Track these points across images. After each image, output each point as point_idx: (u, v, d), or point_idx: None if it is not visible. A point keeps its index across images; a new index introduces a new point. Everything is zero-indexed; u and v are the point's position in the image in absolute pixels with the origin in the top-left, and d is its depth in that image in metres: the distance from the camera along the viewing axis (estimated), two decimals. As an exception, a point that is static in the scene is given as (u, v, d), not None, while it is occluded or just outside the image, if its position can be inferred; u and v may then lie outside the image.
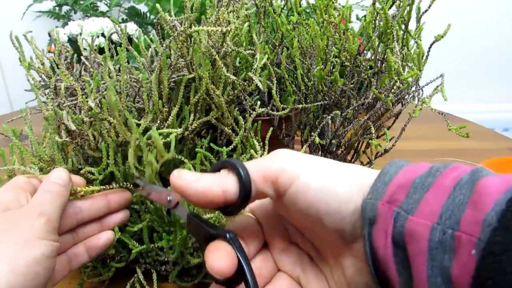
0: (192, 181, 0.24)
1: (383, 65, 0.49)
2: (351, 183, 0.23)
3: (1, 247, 0.26)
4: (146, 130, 0.42)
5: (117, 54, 0.53)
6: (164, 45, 0.42)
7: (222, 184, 0.24)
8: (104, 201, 0.36)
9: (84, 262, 0.35)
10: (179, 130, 0.43)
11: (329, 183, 0.23)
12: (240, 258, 0.23)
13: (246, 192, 0.23)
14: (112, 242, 0.37)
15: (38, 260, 0.27)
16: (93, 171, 0.42)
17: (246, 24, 0.44)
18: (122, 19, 1.23)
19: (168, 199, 0.32)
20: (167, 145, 0.45)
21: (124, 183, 0.37)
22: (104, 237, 0.36)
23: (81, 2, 1.24)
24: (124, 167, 0.42)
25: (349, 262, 0.24)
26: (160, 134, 0.42)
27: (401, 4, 0.45)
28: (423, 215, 0.20)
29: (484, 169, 0.20)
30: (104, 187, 0.36)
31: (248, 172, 0.23)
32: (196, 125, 0.46)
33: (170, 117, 0.43)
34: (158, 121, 0.44)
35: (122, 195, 0.38)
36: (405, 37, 0.46)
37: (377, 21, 0.48)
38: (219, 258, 0.23)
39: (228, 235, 0.24)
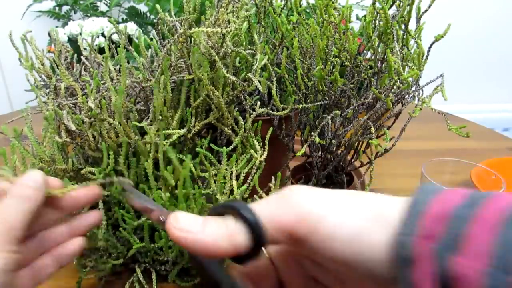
0: (196, 232, 0.21)
1: (383, 65, 0.49)
2: (382, 224, 0.20)
3: None
4: (145, 132, 0.42)
5: (117, 54, 0.53)
6: (164, 47, 0.42)
7: (232, 238, 0.21)
8: (71, 201, 0.31)
9: (52, 273, 0.31)
10: (182, 131, 0.43)
11: (357, 231, 0.20)
12: None
13: (259, 246, 0.21)
14: (81, 249, 0.33)
15: None
16: (93, 171, 0.42)
17: (246, 23, 0.44)
18: (122, 19, 1.23)
19: (161, 219, 0.27)
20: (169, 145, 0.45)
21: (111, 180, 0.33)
22: (73, 245, 0.32)
23: (81, 2, 1.24)
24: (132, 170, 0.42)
25: None
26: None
27: (401, 4, 0.45)
28: (470, 256, 0.17)
29: None
30: (78, 184, 0.32)
31: (259, 222, 0.21)
32: (198, 127, 0.46)
33: (173, 121, 0.43)
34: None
35: (93, 191, 0.33)
36: (405, 37, 0.46)
37: (377, 21, 0.48)
38: None
39: (231, 286, 0.22)
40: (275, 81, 0.50)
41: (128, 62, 0.72)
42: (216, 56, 0.41)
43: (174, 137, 0.42)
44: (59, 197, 0.30)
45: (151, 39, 0.48)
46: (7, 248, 0.26)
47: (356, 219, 0.20)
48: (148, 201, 0.30)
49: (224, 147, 0.44)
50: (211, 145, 0.47)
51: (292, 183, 0.55)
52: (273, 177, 0.45)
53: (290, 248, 0.25)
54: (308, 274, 0.25)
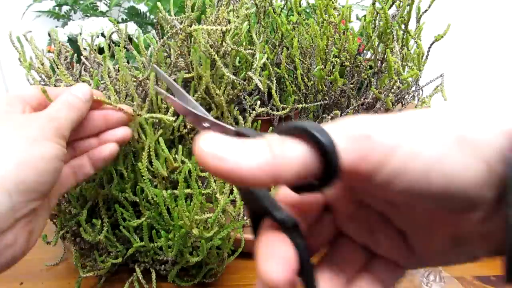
0: (230, 160, 0.16)
1: (383, 65, 0.49)
2: (467, 150, 0.16)
3: (9, 142, 0.27)
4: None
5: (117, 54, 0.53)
6: (161, 40, 0.42)
7: (278, 168, 0.16)
8: (101, 119, 0.36)
9: (90, 174, 0.36)
10: (172, 118, 0.42)
11: (435, 160, 0.16)
12: (303, 260, 0.18)
13: (329, 179, 0.17)
14: (114, 155, 0.36)
15: (46, 158, 0.28)
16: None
17: (246, 23, 0.44)
18: (122, 19, 1.23)
19: (204, 125, 0.24)
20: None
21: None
22: (107, 149, 0.36)
23: (81, 2, 1.24)
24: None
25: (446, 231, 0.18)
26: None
27: (401, 4, 0.45)
28: None
29: None
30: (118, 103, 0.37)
31: (336, 150, 0.16)
32: (196, 124, 0.46)
33: (168, 113, 0.43)
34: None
35: (121, 116, 0.37)
36: (405, 37, 0.46)
37: (377, 21, 0.48)
38: (275, 263, 0.17)
39: (285, 223, 0.19)
40: (275, 81, 0.50)
41: (128, 62, 0.72)
42: (216, 55, 0.41)
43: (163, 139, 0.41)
44: (106, 107, 0.35)
45: (151, 38, 0.48)
46: (60, 142, 0.30)
47: (433, 146, 0.16)
48: (190, 104, 0.26)
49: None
50: (211, 144, 0.47)
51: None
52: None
53: (344, 184, 0.20)
54: (359, 199, 0.21)
